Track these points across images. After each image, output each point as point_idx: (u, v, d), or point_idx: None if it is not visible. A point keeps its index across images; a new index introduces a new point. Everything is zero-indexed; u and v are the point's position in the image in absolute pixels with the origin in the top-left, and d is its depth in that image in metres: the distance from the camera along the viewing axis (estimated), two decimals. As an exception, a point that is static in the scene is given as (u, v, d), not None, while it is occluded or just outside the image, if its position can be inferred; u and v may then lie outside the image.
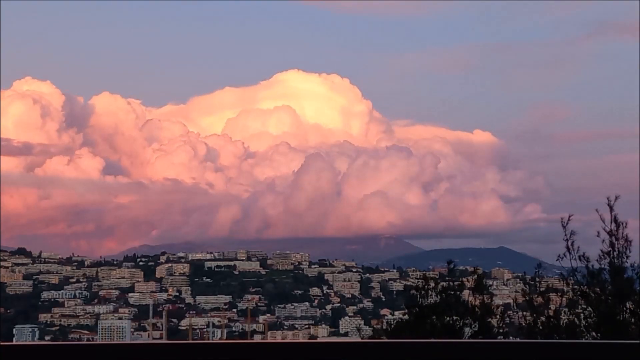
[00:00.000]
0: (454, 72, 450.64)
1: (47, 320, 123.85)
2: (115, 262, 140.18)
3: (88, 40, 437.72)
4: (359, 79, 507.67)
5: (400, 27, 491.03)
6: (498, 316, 23.09)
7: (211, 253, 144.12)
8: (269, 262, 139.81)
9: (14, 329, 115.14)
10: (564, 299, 21.40)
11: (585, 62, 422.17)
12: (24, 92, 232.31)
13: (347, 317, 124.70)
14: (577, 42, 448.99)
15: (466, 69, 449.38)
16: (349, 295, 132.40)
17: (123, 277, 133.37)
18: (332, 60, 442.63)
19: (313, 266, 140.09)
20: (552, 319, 20.94)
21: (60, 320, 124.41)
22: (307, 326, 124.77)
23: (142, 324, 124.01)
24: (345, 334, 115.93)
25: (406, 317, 23.36)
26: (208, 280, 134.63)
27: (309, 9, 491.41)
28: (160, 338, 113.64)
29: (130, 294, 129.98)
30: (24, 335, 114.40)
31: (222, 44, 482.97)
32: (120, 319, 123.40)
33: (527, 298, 21.71)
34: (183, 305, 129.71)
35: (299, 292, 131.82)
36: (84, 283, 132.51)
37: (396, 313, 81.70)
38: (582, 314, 20.69)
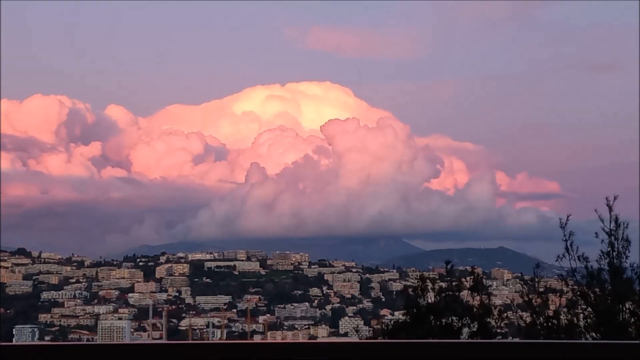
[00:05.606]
0: (452, 96, 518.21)
1: (47, 321, 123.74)
2: (115, 262, 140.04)
3: (90, 47, 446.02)
4: (369, 97, 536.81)
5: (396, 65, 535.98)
6: (497, 316, 23.03)
7: (211, 253, 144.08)
8: (269, 262, 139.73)
9: (14, 329, 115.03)
10: (563, 299, 21.36)
11: (562, 91, 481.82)
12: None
13: (347, 317, 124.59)
14: (552, 75, 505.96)
15: (462, 94, 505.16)
16: (348, 296, 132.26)
17: (123, 277, 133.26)
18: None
19: (313, 266, 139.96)
20: (551, 319, 20.91)
21: (60, 321, 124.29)
22: (307, 326, 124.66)
23: (142, 324, 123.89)
24: (345, 334, 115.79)
25: (406, 317, 23.29)
26: (208, 280, 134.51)
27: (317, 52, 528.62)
28: (160, 338, 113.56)
29: (130, 294, 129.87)
30: (24, 336, 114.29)
31: (235, 51, 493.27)
32: (120, 319, 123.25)
33: (527, 298, 21.67)
34: (183, 306, 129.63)
35: (299, 292, 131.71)
36: (84, 283, 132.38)
37: (396, 313, 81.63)
38: (581, 314, 20.65)
